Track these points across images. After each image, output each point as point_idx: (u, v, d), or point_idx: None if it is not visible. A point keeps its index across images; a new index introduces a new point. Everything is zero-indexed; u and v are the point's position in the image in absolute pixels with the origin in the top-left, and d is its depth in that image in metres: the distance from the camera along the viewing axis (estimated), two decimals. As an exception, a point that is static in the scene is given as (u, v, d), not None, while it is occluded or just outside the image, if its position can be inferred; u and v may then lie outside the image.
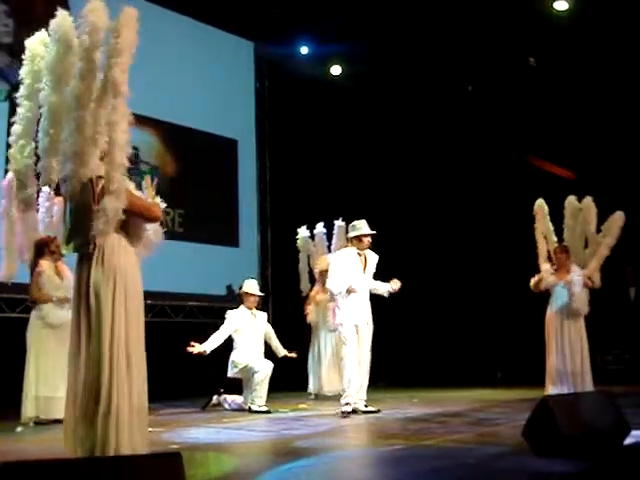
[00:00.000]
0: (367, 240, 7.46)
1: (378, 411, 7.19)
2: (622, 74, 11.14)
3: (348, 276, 7.30)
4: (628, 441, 4.41)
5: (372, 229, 7.50)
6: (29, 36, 4.45)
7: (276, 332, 8.61)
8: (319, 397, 9.54)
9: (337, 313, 7.42)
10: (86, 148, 3.92)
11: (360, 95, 12.85)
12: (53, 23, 4.18)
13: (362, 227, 7.49)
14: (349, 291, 7.26)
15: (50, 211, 7.41)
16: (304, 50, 13.16)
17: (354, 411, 7.11)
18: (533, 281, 8.47)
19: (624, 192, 10.62)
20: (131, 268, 4.11)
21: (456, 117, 13.10)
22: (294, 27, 12.74)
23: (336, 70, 13.22)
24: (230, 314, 8.18)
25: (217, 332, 7.97)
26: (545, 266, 8.41)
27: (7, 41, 9.43)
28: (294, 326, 10.31)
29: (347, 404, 7.02)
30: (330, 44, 12.54)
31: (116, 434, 3.85)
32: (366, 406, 7.22)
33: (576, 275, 8.16)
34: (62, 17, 4.17)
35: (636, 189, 10.99)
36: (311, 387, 9.76)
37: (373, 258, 7.54)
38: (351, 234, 7.55)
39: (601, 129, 11.71)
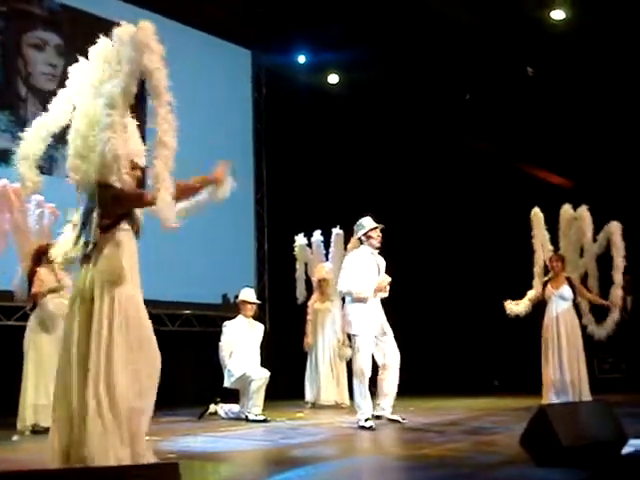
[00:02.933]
0: (376, 235, 7.09)
1: (404, 420, 6.91)
2: (619, 83, 11.17)
3: (365, 277, 6.96)
4: (626, 450, 4.40)
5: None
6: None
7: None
8: (316, 406, 9.51)
9: (350, 320, 6.99)
10: (120, 149, 4.02)
11: (357, 104, 12.87)
12: (95, 49, 4.39)
13: (367, 223, 7.14)
14: (377, 290, 6.96)
15: (41, 218, 7.40)
16: (301, 59, 13.19)
17: (378, 417, 6.90)
18: (530, 299, 8.52)
19: (619, 199, 10.65)
20: (130, 270, 4.10)
21: (453, 126, 13.13)
22: (291, 36, 12.77)
23: (333, 79, 13.24)
24: (227, 325, 8.16)
25: (220, 352, 7.98)
26: (537, 283, 8.52)
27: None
28: (291, 334, 10.31)
29: (367, 419, 6.66)
30: (327, 53, 12.56)
31: (97, 441, 3.80)
32: (392, 414, 7.01)
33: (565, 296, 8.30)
34: (105, 43, 4.36)
35: (631, 196, 11.02)
36: (308, 396, 9.73)
37: (383, 263, 7.21)
38: (359, 233, 7.17)
39: (597, 137, 11.74)
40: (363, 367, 6.84)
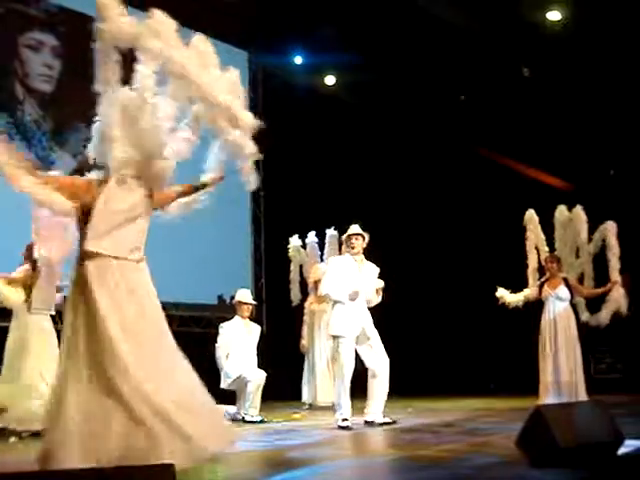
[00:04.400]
0: (355, 240, 7.17)
1: (394, 422, 7.00)
2: (616, 83, 11.19)
3: (345, 281, 7.05)
4: (622, 451, 4.40)
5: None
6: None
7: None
8: (313, 407, 9.51)
9: (330, 321, 7.18)
10: None
11: (354, 105, 12.88)
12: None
13: (350, 229, 7.29)
14: (352, 295, 7.00)
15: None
16: (298, 60, 13.18)
17: (370, 422, 6.96)
18: (525, 296, 8.55)
19: (615, 199, 10.67)
20: None
21: (449, 127, 13.13)
22: (288, 37, 12.77)
23: (330, 80, 13.25)
24: (223, 327, 8.17)
25: (217, 353, 8.01)
26: (531, 284, 8.55)
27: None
28: (288, 335, 10.30)
29: (345, 419, 6.77)
30: (324, 54, 12.56)
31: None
32: (383, 417, 7.04)
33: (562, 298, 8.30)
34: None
35: (627, 195, 11.04)
36: (305, 397, 9.73)
37: (372, 270, 7.29)
38: (343, 237, 7.41)
39: (593, 138, 11.76)
40: (343, 368, 6.94)
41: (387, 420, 7.01)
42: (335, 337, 7.11)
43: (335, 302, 7.16)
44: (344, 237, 7.36)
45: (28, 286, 7.04)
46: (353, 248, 7.22)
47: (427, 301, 13.30)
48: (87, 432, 3.65)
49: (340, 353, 6.98)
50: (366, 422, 6.98)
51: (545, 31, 11.04)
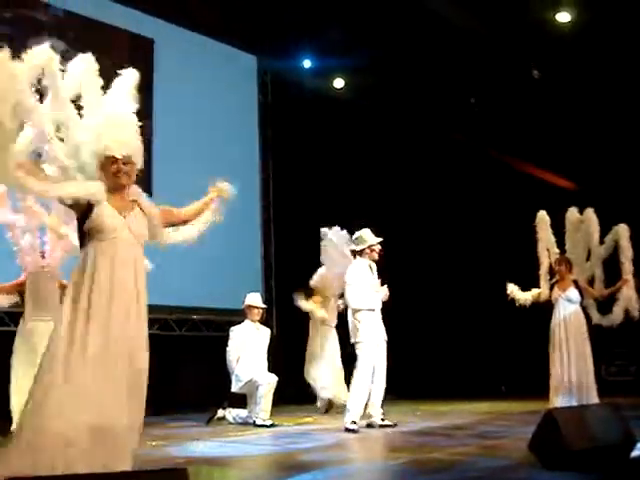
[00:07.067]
0: (378, 249, 7.32)
1: (395, 425, 7.08)
2: (625, 85, 11.16)
3: (368, 288, 7.16)
4: (635, 453, 4.39)
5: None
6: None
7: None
8: (333, 404, 9.42)
9: (358, 328, 7.14)
10: None
11: (363, 107, 12.87)
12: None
13: (369, 238, 7.33)
14: (384, 297, 7.17)
15: None
16: (307, 63, 13.21)
17: (370, 425, 7.08)
18: (533, 295, 8.52)
19: (625, 202, 10.63)
20: None
21: (459, 129, 13.12)
22: (297, 40, 12.79)
23: (339, 83, 13.27)
24: (234, 331, 8.18)
25: (228, 357, 8.04)
26: (543, 285, 8.51)
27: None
28: (299, 339, 10.29)
29: (353, 422, 6.83)
30: (333, 57, 12.58)
31: None
32: (383, 420, 7.13)
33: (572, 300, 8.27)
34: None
35: (638, 199, 10.99)
36: (325, 394, 9.63)
37: (375, 269, 7.40)
38: (359, 247, 7.38)
39: (604, 140, 11.72)
40: (366, 374, 7.02)
41: (387, 423, 7.10)
42: (359, 342, 7.13)
43: (359, 310, 7.16)
44: (366, 245, 7.31)
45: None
46: (376, 256, 7.33)
47: (437, 303, 13.27)
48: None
49: (364, 359, 7.05)
50: (367, 425, 7.09)
51: (555, 32, 11.01)
